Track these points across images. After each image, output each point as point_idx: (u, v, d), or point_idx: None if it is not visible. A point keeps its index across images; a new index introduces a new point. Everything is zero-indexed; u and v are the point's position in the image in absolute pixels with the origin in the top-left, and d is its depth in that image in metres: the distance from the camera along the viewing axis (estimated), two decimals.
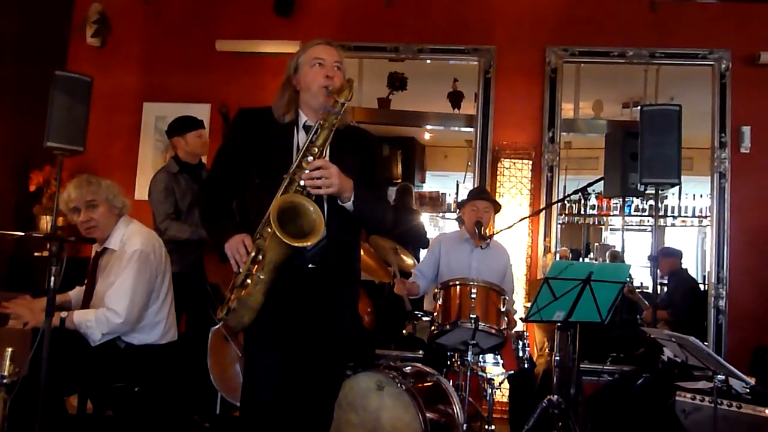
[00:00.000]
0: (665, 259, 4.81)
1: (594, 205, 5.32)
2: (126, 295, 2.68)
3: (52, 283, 2.41)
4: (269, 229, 1.87)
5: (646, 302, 4.64)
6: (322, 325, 2.03)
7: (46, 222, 4.65)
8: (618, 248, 5.42)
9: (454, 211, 5.49)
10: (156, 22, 5.08)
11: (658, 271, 4.13)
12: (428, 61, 4.92)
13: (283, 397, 2.00)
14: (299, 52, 2.14)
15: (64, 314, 2.64)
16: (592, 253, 5.61)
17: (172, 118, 3.84)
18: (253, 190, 2.06)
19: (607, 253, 5.51)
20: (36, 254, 4.58)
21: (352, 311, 2.19)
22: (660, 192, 3.93)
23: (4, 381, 2.19)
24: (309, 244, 1.87)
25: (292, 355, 2.03)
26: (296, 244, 1.85)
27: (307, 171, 1.90)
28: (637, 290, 4.90)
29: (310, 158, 1.92)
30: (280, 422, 2.00)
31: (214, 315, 2.01)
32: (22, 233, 3.02)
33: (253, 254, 1.90)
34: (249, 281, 1.88)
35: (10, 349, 2.21)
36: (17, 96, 4.58)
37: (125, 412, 2.90)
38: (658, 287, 4.37)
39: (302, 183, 1.90)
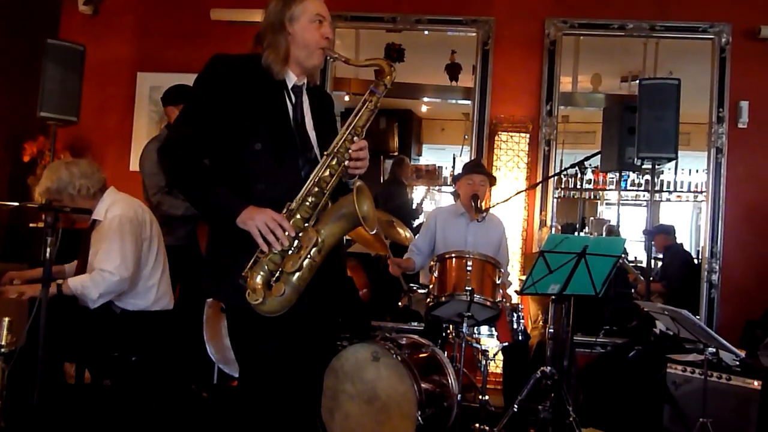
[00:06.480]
0: (660, 235, 4.86)
1: (590, 180, 5.32)
2: (116, 256, 2.71)
3: (47, 254, 2.42)
4: (307, 209, 1.80)
5: (641, 277, 4.66)
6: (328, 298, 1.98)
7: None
8: (613, 223, 5.44)
9: (450, 185, 5.47)
10: None
11: (654, 247, 4.15)
12: (426, 32, 4.85)
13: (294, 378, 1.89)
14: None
15: (60, 281, 2.66)
16: (587, 227, 5.63)
17: (167, 87, 3.75)
18: (256, 157, 1.85)
19: (603, 227, 5.53)
20: (31, 225, 4.56)
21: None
22: (657, 167, 3.93)
23: (2, 351, 2.21)
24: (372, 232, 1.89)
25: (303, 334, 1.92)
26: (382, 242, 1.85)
27: (351, 150, 1.85)
28: (631, 263, 4.92)
29: (356, 138, 1.88)
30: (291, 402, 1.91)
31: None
32: (17, 203, 3.01)
33: (315, 237, 1.78)
34: (305, 264, 1.77)
35: (7, 319, 2.22)
36: (9, 66, 4.51)
37: (123, 382, 2.94)
38: (653, 261, 4.40)
39: (347, 163, 1.85)
